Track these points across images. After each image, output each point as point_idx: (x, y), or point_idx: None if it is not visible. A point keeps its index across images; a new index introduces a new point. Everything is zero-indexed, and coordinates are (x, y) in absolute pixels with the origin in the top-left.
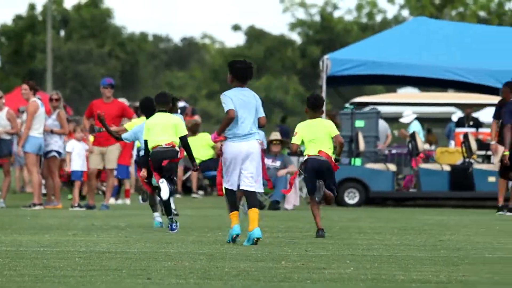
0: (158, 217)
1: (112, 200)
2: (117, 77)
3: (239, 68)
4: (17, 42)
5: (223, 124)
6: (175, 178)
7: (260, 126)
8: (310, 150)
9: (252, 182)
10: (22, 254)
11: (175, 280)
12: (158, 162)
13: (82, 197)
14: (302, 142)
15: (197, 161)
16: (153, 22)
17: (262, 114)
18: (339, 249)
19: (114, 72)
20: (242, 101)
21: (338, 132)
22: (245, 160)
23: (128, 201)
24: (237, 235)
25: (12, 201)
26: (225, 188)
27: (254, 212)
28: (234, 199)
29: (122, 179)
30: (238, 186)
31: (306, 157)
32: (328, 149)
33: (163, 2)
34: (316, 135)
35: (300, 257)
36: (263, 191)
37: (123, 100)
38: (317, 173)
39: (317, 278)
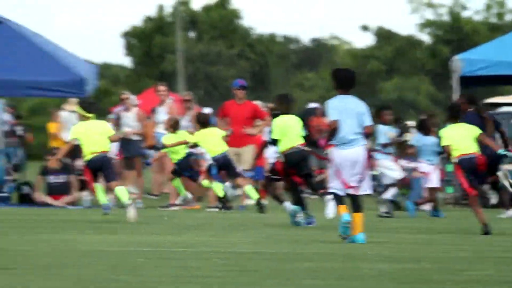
0: (288, 204)
1: (248, 201)
2: (247, 78)
3: (343, 76)
4: (147, 44)
5: (328, 134)
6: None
7: (367, 136)
8: (459, 150)
9: (358, 186)
10: (161, 254)
11: (313, 281)
12: (294, 162)
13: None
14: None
15: None
16: (282, 23)
17: (368, 123)
18: (478, 250)
19: (244, 73)
20: (344, 109)
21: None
22: (351, 166)
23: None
24: (349, 222)
25: (149, 202)
26: (333, 193)
27: (358, 217)
28: (341, 199)
29: (257, 180)
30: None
31: (457, 159)
32: (475, 148)
33: (292, 3)
34: (461, 135)
35: (439, 258)
36: (371, 192)
37: (258, 103)
38: (473, 170)
39: (457, 279)
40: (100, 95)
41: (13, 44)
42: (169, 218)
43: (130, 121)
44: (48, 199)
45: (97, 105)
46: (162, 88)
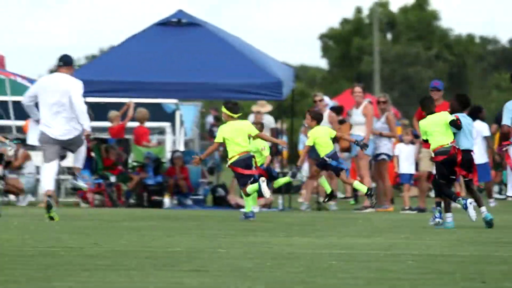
0: (449, 218)
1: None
2: (445, 79)
3: None
4: (345, 46)
5: (500, 137)
6: None
7: None
8: None
9: None
10: (355, 256)
11: (510, 284)
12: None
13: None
14: None
15: None
16: (480, 23)
17: None
18: None
19: (441, 74)
20: None
21: None
22: None
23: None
24: None
25: (344, 204)
26: None
27: None
28: None
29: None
30: None
31: None
32: None
33: (490, 3)
34: None
35: None
36: None
37: None
38: None
39: None
40: (296, 97)
41: (211, 47)
42: (363, 221)
43: (323, 123)
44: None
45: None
46: (357, 89)
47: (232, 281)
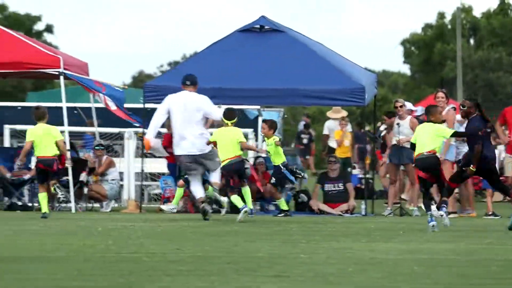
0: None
1: None
2: None
3: None
4: (427, 51)
5: None
6: None
7: None
8: None
9: None
10: (438, 262)
11: None
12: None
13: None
14: None
15: None
16: None
17: None
18: None
19: None
20: None
21: None
22: None
23: None
24: None
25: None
26: None
27: None
28: None
29: None
30: None
31: None
32: None
33: None
34: None
35: None
36: None
37: None
38: None
39: None
40: (378, 103)
41: (294, 53)
42: (445, 226)
43: (404, 128)
44: (325, 207)
45: (237, 112)
46: (440, 95)
47: (313, 287)
